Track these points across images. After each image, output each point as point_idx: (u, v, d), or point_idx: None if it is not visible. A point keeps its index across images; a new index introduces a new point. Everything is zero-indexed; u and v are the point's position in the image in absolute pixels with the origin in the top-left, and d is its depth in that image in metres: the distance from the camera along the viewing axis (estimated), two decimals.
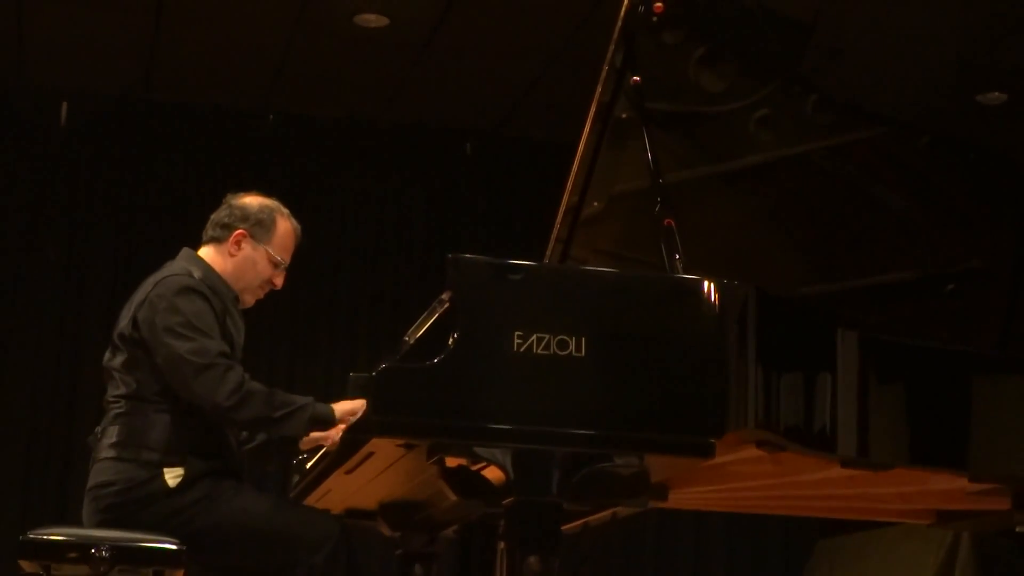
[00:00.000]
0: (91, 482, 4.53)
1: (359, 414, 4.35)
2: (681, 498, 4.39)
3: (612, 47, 4.17)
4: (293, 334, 9.01)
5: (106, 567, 4.17)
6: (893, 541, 7.84)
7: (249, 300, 4.79)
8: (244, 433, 4.66)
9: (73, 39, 8.17)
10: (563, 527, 3.48)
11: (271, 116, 9.17)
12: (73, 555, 4.20)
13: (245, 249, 4.71)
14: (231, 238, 4.71)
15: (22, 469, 8.39)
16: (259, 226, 4.72)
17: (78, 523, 4.52)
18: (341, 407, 4.38)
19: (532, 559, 3.34)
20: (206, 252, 4.74)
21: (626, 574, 9.21)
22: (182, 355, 4.34)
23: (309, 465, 4.46)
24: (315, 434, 4.34)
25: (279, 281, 4.79)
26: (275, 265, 4.74)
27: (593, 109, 4.22)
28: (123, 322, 4.58)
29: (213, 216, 4.81)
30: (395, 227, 9.35)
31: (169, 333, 4.38)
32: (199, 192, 8.67)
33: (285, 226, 4.77)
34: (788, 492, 4.44)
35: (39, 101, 8.84)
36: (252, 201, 4.79)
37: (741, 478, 4.11)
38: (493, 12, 7.82)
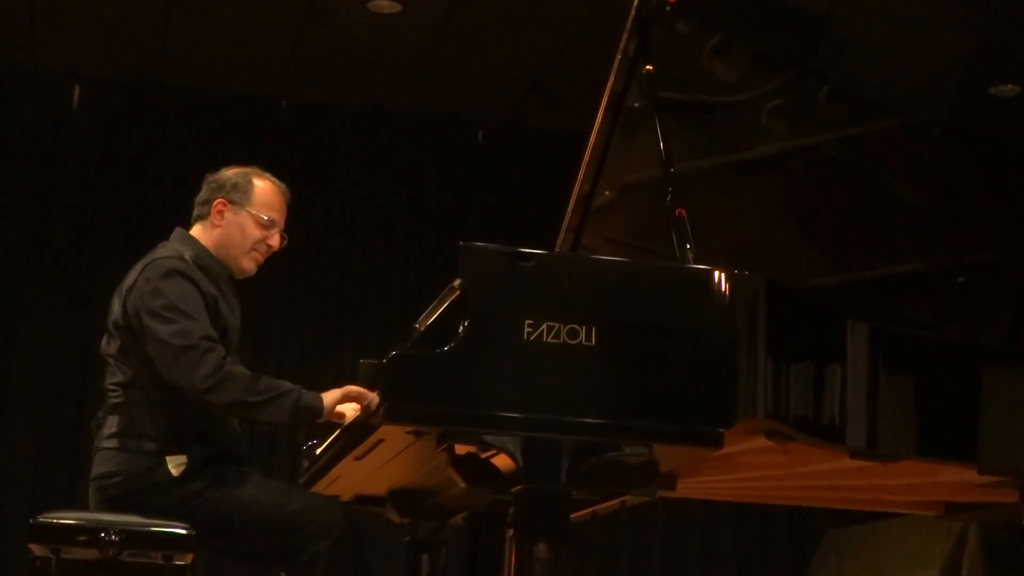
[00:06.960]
0: (94, 471, 4.54)
1: (352, 407, 4.34)
2: (690, 487, 4.38)
3: (625, 36, 4.16)
4: (303, 322, 9.01)
5: (115, 551, 4.18)
6: (901, 532, 7.84)
7: (249, 266, 4.77)
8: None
9: (86, 23, 8.18)
10: (572, 515, 3.47)
11: (283, 102, 9.17)
12: (83, 539, 4.22)
13: (227, 216, 4.73)
14: (212, 210, 4.74)
15: (32, 452, 8.40)
16: (235, 190, 4.75)
17: (87, 507, 4.53)
18: (330, 397, 4.38)
19: (541, 547, 3.33)
20: (196, 231, 4.76)
21: (635, 562, 9.22)
22: (163, 338, 4.35)
23: (319, 451, 4.47)
24: (339, 408, 4.37)
25: (275, 242, 4.78)
26: (264, 226, 4.74)
27: (605, 98, 4.21)
28: (115, 309, 4.58)
29: (196, 198, 4.85)
30: (406, 214, 9.34)
31: (152, 316, 4.39)
32: None
33: (263, 185, 4.78)
34: (797, 482, 4.43)
35: (52, 85, 8.86)
36: (226, 171, 4.83)
37: (750, 468, 4.11)
38: (506, 0, 7.82)
